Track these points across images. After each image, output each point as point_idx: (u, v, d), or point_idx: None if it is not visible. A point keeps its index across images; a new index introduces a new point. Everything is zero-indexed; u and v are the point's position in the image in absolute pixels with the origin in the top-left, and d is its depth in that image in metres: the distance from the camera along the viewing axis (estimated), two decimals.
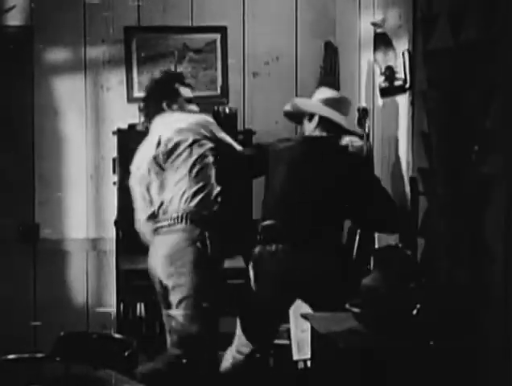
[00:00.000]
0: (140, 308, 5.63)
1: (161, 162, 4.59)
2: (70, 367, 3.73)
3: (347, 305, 3.53)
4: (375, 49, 4.51)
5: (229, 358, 4.50)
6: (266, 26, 6.00)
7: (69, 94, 5.91)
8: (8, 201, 5.89)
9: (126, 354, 3.48)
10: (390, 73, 4.37)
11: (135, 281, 5.38)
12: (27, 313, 5.87)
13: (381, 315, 3.41)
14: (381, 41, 4.47)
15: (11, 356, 3.80)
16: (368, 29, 4.83)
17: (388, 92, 4.45)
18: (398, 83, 4.33)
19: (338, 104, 4.59)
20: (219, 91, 5.94)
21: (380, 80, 4.49)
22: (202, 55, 5.93)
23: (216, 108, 5.69)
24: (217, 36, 5.92)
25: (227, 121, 5.67)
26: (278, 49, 6.01)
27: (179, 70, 5.87)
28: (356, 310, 3.50)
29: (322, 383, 3.69)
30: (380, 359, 3.31)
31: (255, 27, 5.99)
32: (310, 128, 4.59)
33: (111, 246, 5.66)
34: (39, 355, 3.79)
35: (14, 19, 5.87)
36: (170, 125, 4.65)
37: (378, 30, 4.50)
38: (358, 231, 4.73)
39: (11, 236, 5.86)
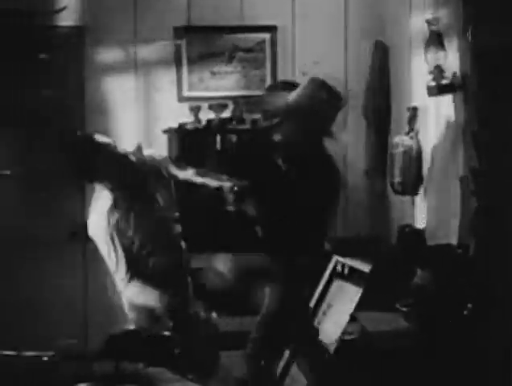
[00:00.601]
0: None
1: None
2: (120, 365, 3.78)
3: (396, 305, 3.52)
4: (426, 47, 4.48)
5: None
6: (315, 26, 5.99)
7: (120, 94, 5.95)
8: (58, 201, 5.96)
9: (177, 352, 3.50)
10: (438, 72, 4.36)
11: None
12: (78, 312, 5.93)
13: (431, 315, 3.39)
14: (434, 39, 4.45)
15: (63, 353, 3.85)
16: (418, 28, 4.81)
17: (436, 90, 4.43)
18: (445, 82, 4.31)
19: None
20: None
21: (428, 79, 4.47)
22: (252, 55, 5.95)
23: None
24: (267, 36, 5.93)
25: None
26: (328, 48, 6.00)
27: (228, 69, 5.91)
28: (405, 309, 3.48)
29: (367, 382, 3.68)
30: (428, 359, 3.30)
31: (305, 26, 5.99)
32: None
33: None
34: (91, 352, 3.83)
35: (66, 20, 5.93)
36: None
37: (432, 28, 4.47)
38: (406, 229, 4.71)
39: (61, 235, 5.92)
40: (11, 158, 5.94)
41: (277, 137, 4.49)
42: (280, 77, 5.94)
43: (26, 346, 5.55)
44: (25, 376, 4.60)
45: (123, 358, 3.76)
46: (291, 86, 4.64)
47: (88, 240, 5.82)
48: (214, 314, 5.16)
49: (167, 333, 3.80)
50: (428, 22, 4.51)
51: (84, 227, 5.81)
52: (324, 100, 4.40)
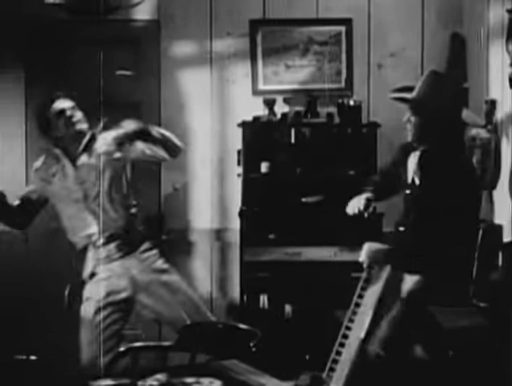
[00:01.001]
0: (263, 299, 5.66)
1: None
2: (195, 356, 3.79)
3: (473, 301, 3.46)
4: (508, 38, 4.39)
5: None
6: (391, 17, 5.93)
7: (195, 87, 5.98)
8: (135, 192, 6.00)
9: (252, 344, 3.50)
10: None
11: (258, 273, 5.43)
12: None
13: (508, 311, 3.33)
14: None
15: (138, 344, 3.88)
16: (497, 19, 4.72)
17: None
18: None
19: None
20: (343, 83, 5.91)
21: (510, 71, 4.37)
22: (327, 48, 5.91)
23: (340, 100, 5.68)
24: (342, 28, 5.89)
25: (351, 114, 5.65)
26: (404, 40, 5.93)
27: (303, 62, 5.89)
28: (483, 304, 3.42)
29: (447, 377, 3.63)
30: (504, 355, 3.24)
31: (381, 18, 5.93)
32: None
33: (235, 237, 5.72)
34: (166, 344, 3.85)
35: (142, 14, 5.98)
36: None
37: None
38: (482, 225, 4.60)
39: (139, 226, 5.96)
40: None
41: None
42: (355, 70, 5.90)
43: None
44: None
45: (197, 349, 3.77)
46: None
47: (163, 231, 5.92)
48: (288, 308, 5.17)
49: (243, 326, 3.80)
50: (509, 11, 4.42)
51: (159, 218, 5.89)
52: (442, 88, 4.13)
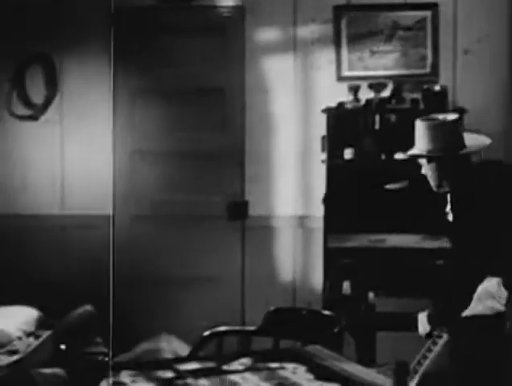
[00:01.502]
0: (346, 286, 5.64)
1: None
2: (279, 341, 3.81)
3: None
4: None
5: None
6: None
7: (279, 73, 5.98)
8: (218, 179, 6.07)
9: (335, 331, 3.50)
10: None
11: (342, 259, 5.42)
12: (235, 287, 6.03)
13: None
14: None
15: (222, 329, 3.92)
16: None
17: None
18: None
19: None
20: (429, 69, 5.84)
21: None
22: (412, 33, 5.85)
23: (425, 86, 5.61)
24: (428, 13, 5.82)
25: (437, 100, 5.58)
26: (491, 26, 5.83)
27: (388, 48, 5.84)
28: None
29: None
30: None
31: (466, 3, 5.83)
32: None
33: (319, 224, 5.71)
34: (250, 329, 3.88)
35: (227, 0, 6.01)
36: None
37: None
38: None
39: (221, 213, 6.03)
40: (174, 136, 6.09)
41: None
42: (441, 56, 5.82)
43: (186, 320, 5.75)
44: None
45: (281, 334, 3.79)
46: None
47: (246, 217, 5.96)
48: (371, 295, 5.15)
49: (326, 312, 3.80)
50: None
51: (243, 204, 5.94)
52: None
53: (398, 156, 5.31)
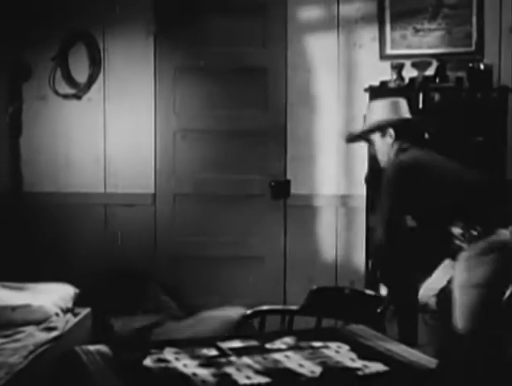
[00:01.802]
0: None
1: None
2: (321, 320, 3.82)
3: None
4: None
5: None
6: None
7: (322, 51, 5.96)
8: (260, 157, 6.07)
9: (379, 310, 3.49)
10: None
11: None
12: (278, 266, 6.04)
13: None
14: None
15: (265, 307, 3.92)
16: None
17: None
18: None
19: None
20: (474, 47, 5.76)
21: None
22: (457, 11, 5.77)
23: (470, 64, 5.55)
24: None
25: (481, 78, 5.52)
26: None
27: (432, 26, 5.79)
28: None
29: None
30: None
31: None
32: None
33: (361, 203, 5.69)
34: (292, 308, 3.88)
35: None
36: None
37: None
38: None
39: (263, 191, 6.03)
40: (216, 115, 6.10)
41: None
42: (486, 34, 5.75)
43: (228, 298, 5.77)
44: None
45: (324, 313, 3.79)
46: None
47: (288, 196, 5.96)
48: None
49: (370, 291, 3.79)
50: None
51: (284, 183, 5.94)
52: None
53: None
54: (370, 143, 4.50)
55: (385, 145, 4.39)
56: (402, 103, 4.48)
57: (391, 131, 4.35)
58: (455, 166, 4.18)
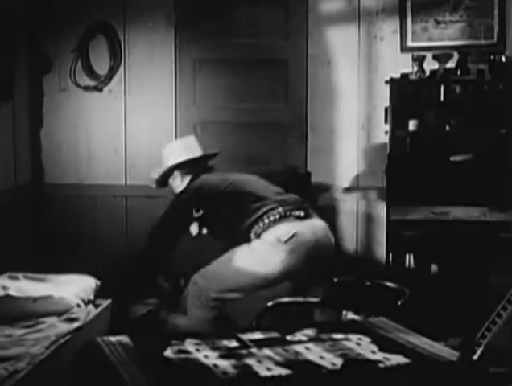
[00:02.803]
0: (409, 258, 5.62)
1: None
2: (342, 313, 3.81)
3: None
4: None
5: None
6: None
7: (342, 44, 5.95)
8: (281, 149, 6.07)
9: (400, 303, 3.49)
10: None
11: (405, 232, 5.37)
12: None
13: None
14: None
15: (286, 299, 3.92)
16: None
17: None
18: None
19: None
20: (495, 39, 5.74)
21: None
22: (479, 3, 5.75)
23: (492, 56, 5.52)
24: None
25: (503, 71, 5.49)
26: None
27: (453, 18, 5.76)
28: None
29: None
30: None
31: None
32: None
33: (382, 195, 5.68)
34: (313, 300, 3.88)
35: None
36: None
37: None
38: None
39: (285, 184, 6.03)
40: (236, 107, 6.10)
41: None
42: (508, 26, 5.72)
43: None
44: None
45: (345, 306, 3.78)
46: None
47: (310, 188, 5.96)
48: (435, 267, 5.11)
49: (391, 284, 3.79)
50: None
51: (306, 175, 5.93)
52: None
53: None
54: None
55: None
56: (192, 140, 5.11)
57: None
58: None
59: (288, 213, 4.53)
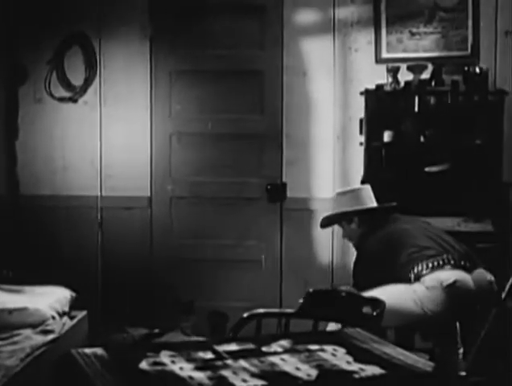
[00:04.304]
0: None
1: None
2: (318, 323, 3.81)
3: None
4: None
5: None
6: None
7: (318, 55, 5.97)
8: (257, 161, 6.07)
9: (375, 313, 3.49)
10: None
11: None
12: (274, 268, 6.04)
13: None
14: None
15: (261, 310, 3.91)
16: None
17: None
18: None
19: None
20: (469, 50, 5.78)
21: None
22: (453, 14, 5.79)
23: (466, 68, 5.56)
24: None
25: (477, 82, 5.53)
26: None
27: (428, 29, 5.80)
28: None
29: None
30: None
31: None
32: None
33: None
34: (289, 311, 3.87)
35: None
36: None
37: None
38: None
39: (260, 194, 6.03)
40: (212, 118, 6.10)
41: None
42: (482, 37, 5.76)
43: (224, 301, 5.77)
44: None
45: (321, 316, 3.78)
46: None
47: (285, 199, 5.96)
48: None
49: (365, 294, 3.79)
50: None
51: (280, 187, 5.94)
52: None
53: None
54: (342, 227, 4.88)
55: (351, 231, 4.79)
56: (367, 191, 4.80)
57: (355, 219, 4.74)
58: None
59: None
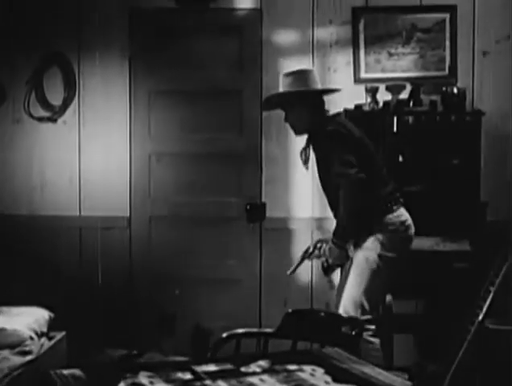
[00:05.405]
0: None
1: None
2: (296, 343, 3.81)
3: None
4: None
5: None
6: (496, 4, 5.82)
7: None
8: (236, 180, 6.08)
9: (353, 333, 3.50)
10: None
11: None
12: (253, 288, 6.04)
13: None
14: None
15: (240, 331, 3.91)
16: None
17: None
18: None
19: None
20: (447, 71, 5.84)
21: None
22: (430, 35, 5.84)
23: (444, 88, 5.60)
24: (447, 15, 5.81)
25: (455, 102, 5.57)
26: (510, 27, 5.81)
27: (406, 50, 5.84)
28: None
29: None
30: None
31: (485, 5, 5.82)
32: None
33: None
34: (268, 331, 3.87)
35: (244, 2, 6.04)
36: None
37: None
38: None
39: (239, 214, 6.03)
40: (191, 138, 6.10)
41: None
42: (459, 58, 5.81)
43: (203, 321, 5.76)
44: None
45: (299, 336, 3.78)
46: None
47: (264, 219, 5.96)
48: (389, 297, 5.15)
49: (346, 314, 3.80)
50: None
51: (260, 206, 5.94)
52: None
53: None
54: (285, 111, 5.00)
55: (294, 116, 4.97)
56: (313, 73, 4.98)
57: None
58: None
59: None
